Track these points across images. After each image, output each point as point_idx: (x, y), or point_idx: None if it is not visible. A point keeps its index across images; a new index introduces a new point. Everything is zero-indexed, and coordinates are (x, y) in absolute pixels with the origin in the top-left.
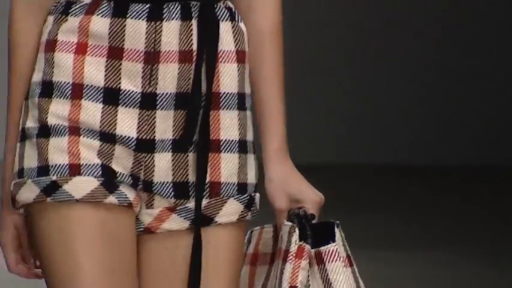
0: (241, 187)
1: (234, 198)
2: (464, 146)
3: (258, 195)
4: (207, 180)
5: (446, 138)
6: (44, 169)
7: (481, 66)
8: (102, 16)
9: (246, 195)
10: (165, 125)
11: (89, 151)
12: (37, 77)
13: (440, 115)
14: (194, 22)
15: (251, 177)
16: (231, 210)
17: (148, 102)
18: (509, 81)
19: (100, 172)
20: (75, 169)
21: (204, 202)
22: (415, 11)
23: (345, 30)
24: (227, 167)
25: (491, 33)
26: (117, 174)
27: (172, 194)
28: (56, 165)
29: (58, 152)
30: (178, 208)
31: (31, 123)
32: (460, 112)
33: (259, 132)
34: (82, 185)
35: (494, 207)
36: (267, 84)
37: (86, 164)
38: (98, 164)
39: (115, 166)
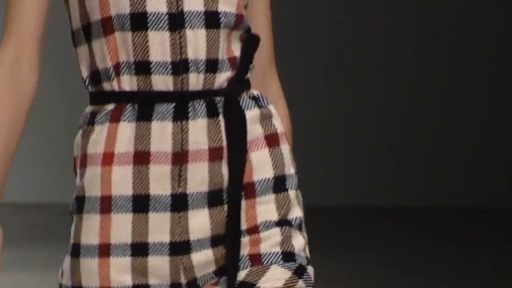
0: (287, 255)
1: (279, 265)
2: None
3: (311, 268)
4: (246, 253)
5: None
6: None
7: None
8: (127, 121)
9: (293, 263)
10: (199, 224)
11: (120, 272)
12: (74, 192)
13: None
14: (221, 118)
15: (299, 249)
16: (275, 275)
17: (179, 203)
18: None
19: None
20: None
21: (245, 272)
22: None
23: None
24: (267, 242)
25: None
26: None
27: (212, 276)
28: (88, 287)
29: (89, 274)
30: (219, 282)
31: (70, 239)
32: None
33: None
34: None
35: (485, 251)
36: None
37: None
38: (129, 286)
39: (152, 280)
